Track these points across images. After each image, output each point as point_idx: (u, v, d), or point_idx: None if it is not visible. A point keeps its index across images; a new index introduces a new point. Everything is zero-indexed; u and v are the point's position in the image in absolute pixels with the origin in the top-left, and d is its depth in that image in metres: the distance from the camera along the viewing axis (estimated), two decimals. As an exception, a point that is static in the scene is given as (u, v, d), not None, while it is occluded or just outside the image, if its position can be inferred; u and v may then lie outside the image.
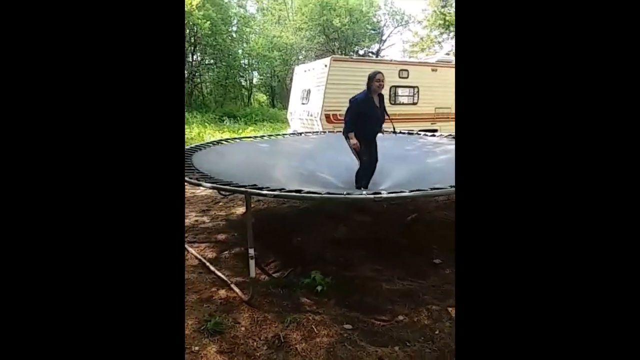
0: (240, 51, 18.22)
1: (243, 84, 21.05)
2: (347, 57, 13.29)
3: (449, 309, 2.16)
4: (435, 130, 7.89)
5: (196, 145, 4.14)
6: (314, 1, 19.17)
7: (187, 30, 15.60)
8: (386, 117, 3.63)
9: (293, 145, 5.06)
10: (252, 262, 2.09)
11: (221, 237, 3.38)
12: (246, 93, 21.51)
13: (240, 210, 4.12)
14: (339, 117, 7.64)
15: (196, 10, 14.58)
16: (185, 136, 10.02)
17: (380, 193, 2.23)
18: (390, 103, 8.20)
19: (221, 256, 2.93)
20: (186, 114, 13.78)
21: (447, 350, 1.80)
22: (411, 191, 2.32)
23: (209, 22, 14.87)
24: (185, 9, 14.42)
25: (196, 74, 17.96)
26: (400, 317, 2.09)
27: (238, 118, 14.75)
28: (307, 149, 4.78)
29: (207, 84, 19.66)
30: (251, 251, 2.07)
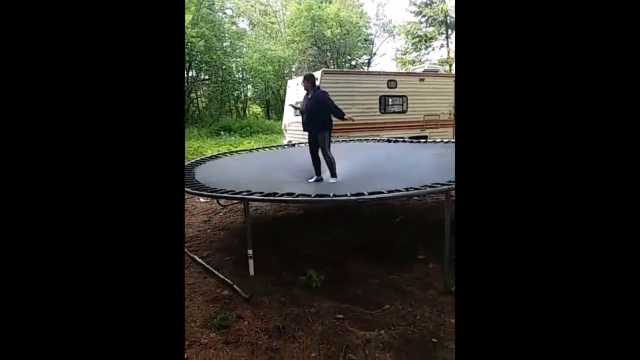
0: (234, 66, 18.65)
1: (238, 97, 21.46)
2: (338, 69, 13.69)
3: (430, 297, 2.41)
4: (426, 137, 8.24)
5: (197, 160, 4.42)
6: (305, 14, 19.69)
7: (182, 48, 15.95)
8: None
9: (287, 156, 5.34)
10: (251, 262, 2.34)
11: (222, 244, 3.62)
12: (241, 106, 21.90)
13: (240, 219, 4.36)
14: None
15: (189, 28, 14.98)
16: (185, 151, 10.26)
17: (363, 194, 2.49)
18: (380, 112, 8.56)
19: (223, 261, 3.17)
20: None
21: (426, 332, 2.05)
22: (389, 192, 2.58)
23: (203, 40, 15.30)
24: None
25: (192, 90, 18.32)
26: (387, 306, 2.34)
27: (234, 131, 15.05)
28: (302, 158, 5.03)
29: (203, 99, 20.03)
30: (250, 252, 2.32)
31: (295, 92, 9.03)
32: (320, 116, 4.09)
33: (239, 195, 2.40)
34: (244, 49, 19.65)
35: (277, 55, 19.86)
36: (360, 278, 2.72)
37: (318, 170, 4.29)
